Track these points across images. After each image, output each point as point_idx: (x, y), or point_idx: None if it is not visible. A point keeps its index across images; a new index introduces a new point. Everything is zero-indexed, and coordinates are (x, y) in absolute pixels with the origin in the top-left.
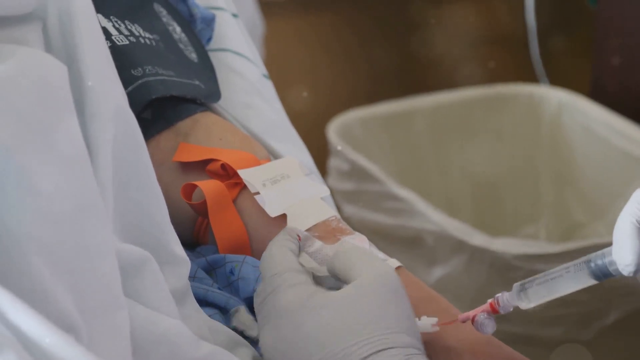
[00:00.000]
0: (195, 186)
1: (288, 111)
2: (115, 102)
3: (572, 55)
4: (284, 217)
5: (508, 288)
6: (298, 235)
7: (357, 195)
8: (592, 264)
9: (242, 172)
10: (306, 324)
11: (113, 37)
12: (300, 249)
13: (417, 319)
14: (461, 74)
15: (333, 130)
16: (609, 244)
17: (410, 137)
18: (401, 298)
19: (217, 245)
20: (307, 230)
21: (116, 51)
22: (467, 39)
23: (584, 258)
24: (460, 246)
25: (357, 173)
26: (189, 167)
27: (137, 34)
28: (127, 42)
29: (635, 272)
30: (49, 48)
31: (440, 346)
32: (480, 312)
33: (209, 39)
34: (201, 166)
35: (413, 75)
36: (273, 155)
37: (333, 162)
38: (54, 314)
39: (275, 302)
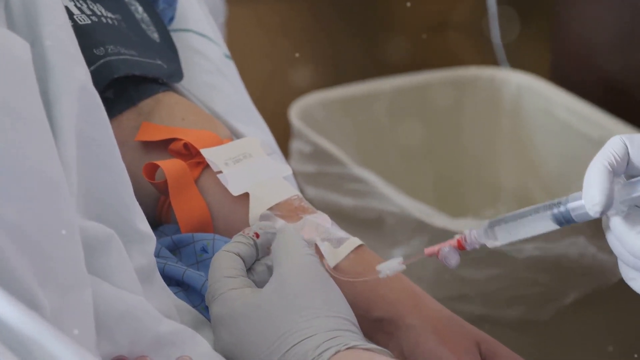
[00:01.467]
0: (157, 166)
1: (250, 93)
2: (79, 80)
3: (532, 38)
4: (246, 196)
5: (469, 268)
6: (256, 233)
7: (318, 177)
8: (556, 209)
9: (204, 151)
10: (240, 330)
11: (75, 17)
12: (259, 246)
13: (383, 263)
14: (422, 57)
15: (294, 113)
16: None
17: (372, 119)
18: (323, 284)
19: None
20: (270, 209)
21: (78, 30)
22: (429, 22)
23: (549, 202)
24: (421, 227)
25: (318, 155)
26: (151, 146)
27: (99, 13)
28: (89, 22)
29: (602, 212)
30: (11, 26)
31: (402, 324)
32: (445, 246)
33: (171, 19)
34: (164, 145)
35: (374, 59)
36: (236, 135)
37: (295, 145)
38: (18, 292)
39: (215, 310)
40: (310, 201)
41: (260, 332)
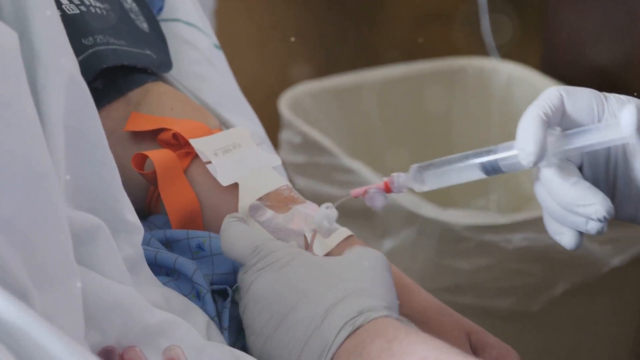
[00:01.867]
0: (146, 156)
1: (239, 84)
2: (67, 70)
3: (523, 29)
4: (235, 186)
5: (458, 259)
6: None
7: (308, 168)
8: (485, 157)
9: (193, 142)
10: (298, 275)
11: (63, 6)
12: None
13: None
14: (413, 48)
15: (284, 103)
16: None
17: (362, 110)
18: (383, 274)
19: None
20: (259, 199)
21: (67, 20)
22: (420, 13)
23: (480, 150)
24: (410, 218)
25: (308, 146)
26: (140, 136)
27: (87, 3)
28: (78, 11)
29: (535, 162)
30: None
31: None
32: (372, 188)
33: (160, 9)
34: (153, 136)
35: (364, 49)
36: (225, 125)
37: (284, 135)
38: (6, 282)
39: (269, 260)
40: (300, 191)
41: (315, 280)
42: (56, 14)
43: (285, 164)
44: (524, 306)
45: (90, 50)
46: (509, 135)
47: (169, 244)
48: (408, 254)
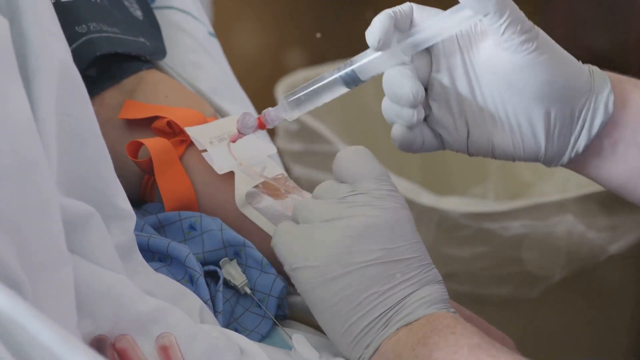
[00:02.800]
0: (140, 144)
1: (236, 71)
2: (59, 57)
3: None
4: (231, 174)
5: (456, 247)
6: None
7: (305, 156)
8: (343, 71)
9: (189, 130)
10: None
11: None
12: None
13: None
14: None
15: (281, 90)
16: (555, 203)
17: (358, 97)
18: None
19: (163, 203)
20: (255, 187)
21: (60, 7)
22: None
23: (338, 67)
24: (408, 205)
25: (305, 133)
26: (134, 124)
27: None
28: None
29: (380, 46)
30: None
31: None
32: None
33: None
34: (147, 123)
35: (361, 36)
36: (220, 113)
37: (282, 123)
38: None
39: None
40: (297, 179)
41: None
42: (48, 0)
43: (282, 152)
44: (521, 294)
45: (84, 38)
46: None
47: (162, 227)
48: None
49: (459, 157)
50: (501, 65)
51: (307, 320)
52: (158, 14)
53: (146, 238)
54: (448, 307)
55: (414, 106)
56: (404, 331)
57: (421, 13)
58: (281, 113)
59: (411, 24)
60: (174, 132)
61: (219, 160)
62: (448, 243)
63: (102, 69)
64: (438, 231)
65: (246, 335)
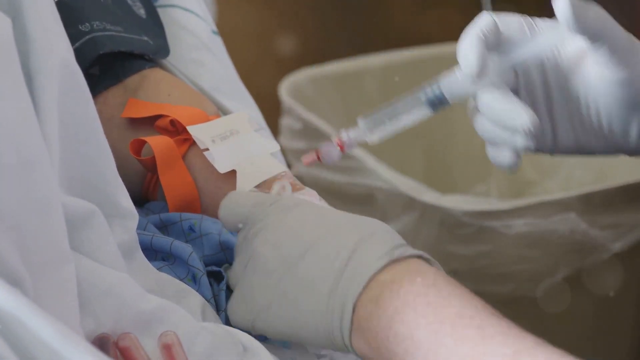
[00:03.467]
0: (144, 142)
1: (240, 70)
2: (61, 55)
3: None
4: (233, 173)
5: (458, 245)
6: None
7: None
8: (428, 90)
9: (191, 128)
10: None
11: None
12: None
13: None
14: (414, 32)
15: (284, 89)
16: (557, 201)
17: (362, 96)
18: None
19: (166, 202)
20: (257, 186)
21: (64, 6)
22: None
23: (421, 87)
24: (410, 203)
25: (308, 132)
26: (137, 123)
27: None
28: None
29: (478, 74)
30: None
31: None
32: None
33: None
34: (150, 122)
35: (365, 34)
36: (223, 112)
37: (285, 121)
38: None
39: (281, 206)
40: (301, 178)
41: (336, 218)
42: None
43: (286, 150)
44: (524, 292)
45: (87, 37)
46: None
47: (164, 227)
48: (408, 240)
49: (462, 155)
50: (595, 80)
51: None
52: (161, 12)
53: (149, 237)
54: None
55: (529, 135)
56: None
57: (503, 21)
58: (360, 136)
59: (498, 36)
60: (177, 130)
61: (221, 158)
62: (450, 241)
63: (105, 67)
64: (440, 229)
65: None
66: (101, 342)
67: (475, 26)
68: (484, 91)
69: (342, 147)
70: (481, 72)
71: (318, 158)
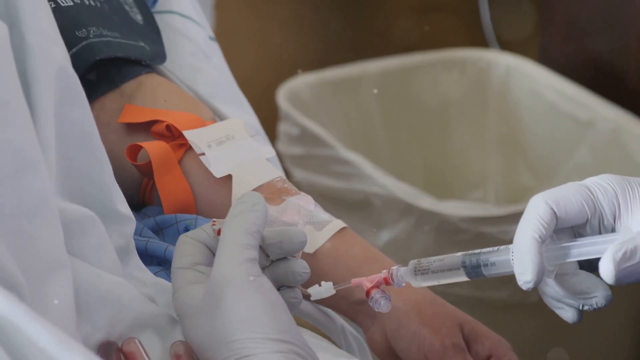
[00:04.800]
0: (140, 147)
1: (238, 76)
2: (57, 62)
3: (522, 20)
4: (229, 178)
5: (455, 251)
6: (213, 221)
7: (306, 160)
8: (468, 263)
9: (187, 133)
10: (189, 329)
11: None
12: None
13: (316, 286)
14: (412, 38)
15: (282, 95)
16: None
17: (360, 101)
18: (249, 295)
19: (162, 206)
20: (252, 190)
21: (60, 12)
22: (419, 4)
23: (470, 256)
24: (407, 209)
25: (306, 137)
26: (134, 128)
27: None
28: (72, 3)
29: (534, 287)
30: None
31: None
32: (375, 289)
33: (155, 1)
34: (146, 127)
35: (363, 40)
36: (219, 117)
37: (282, 127)
38: None
39: (174, 303)
40: (298, 183)
41: (207, 334)
42: (47, 5)
43: (283, 156)
44: (521, 297)
45: (84, 43)
46: (507, 126)
47: (160, 230)
48: (405, 246)
49: (459, 161)
50: None
51: (303, 322)
52: (158, 18)
53: (144, 242)
54: None
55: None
56: None
57: (562, 209)
58: (408, 278)
59: (555, 225)
60: (173, 135)
61: (217, 163)
62: (447, 247)
63: (102, 73)
64: (437, 235)
65: None
66: (106, 348)
67: (531, 222)
68: (545, 285)
69: (388, 281)
70: (537, 285)
71: (367, 295)
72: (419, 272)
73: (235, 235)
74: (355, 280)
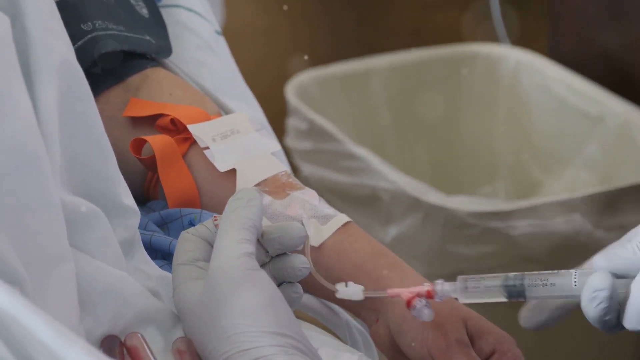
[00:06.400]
0: (144, 141)
1: (247, 70)
2: (60, 55)
3: (533, 14)
4: (233, 172)
5: (463, 246)
6: (215, 216)
7: (314, 155)
8: (510, 284)
9: (191, 127)
10: (189, 325)
11: None
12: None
13: (343, 285)
14: (422, 34)
15: (290, 90)
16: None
17: (368, 97)
18: (247, 288)
19: (167, 201)
20: (257, 185)
21: (66, 5)
22: None
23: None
24: (415, 204)
25: (314, 132)
26: (139, 122)
27: None
28: None
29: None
30: None
31: (388, 300)
32: (416, 297)
33: None
34: (151, 121)
35: (371, 35)
36: (225, 112)
37: (291, 122)
38: None
39: (174, 299)
40: (307, 178)
41: (206, 329)
42: None
43: (291, 151)
44: None
45: (89, 36)
46: (516, 121)
47: (165, 224)
48: (413, 241)
49: (468, 156)
50: None
51: (308, 317)
52: (164, 12)
53: (148, 236)
54: None
55: None
56: None
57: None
58: (454, 293)
59: None
60: (177, 129)
61: (221, 157)
62: (455, 242)
63: (107, 66)
64: (445, 230)
65: None
66: (109, 342)
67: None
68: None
69: (430, 294)
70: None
71: (408, 305)
72: (469, 289)
73: (231, 230)
74: (392, 291)
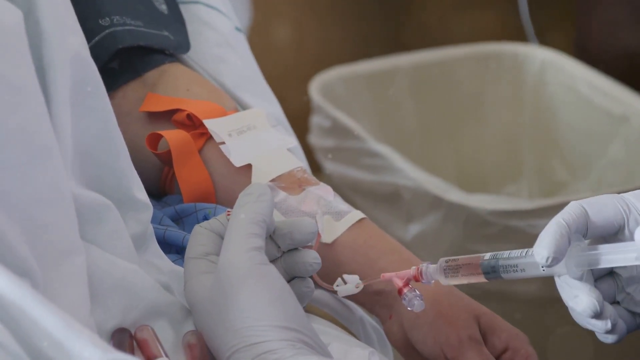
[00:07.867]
0: (160, 136)
1: (275, 68)
2: (73, 49)
3: (560, 14)
4: (249, 167)
5: (483, 244)
6: (228, 211)
7: (337, 152)
8: (486, 261)
9: (207, 122)
10: (199, 319)
11: None
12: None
13: (342, 283)
14: (450, 33)
15: (315, 87)
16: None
17: (393, 95)
18: (254, 282)
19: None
20: (272, 180)
21: (84, 0)
22: None
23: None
24: (436, 202)
25: (337, 130)
26: (155, 117)
27: None
28: None
29: (549, 264)
30: None
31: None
32: (406, 287)
33: None
34: (168, 116)
35: (397, 34)
36: (243, 108)
37: (315, 119)
38: (9, 260)
39: (185, 292)
40: (329, 176)
41: (215, 322)
42: None
43: (314, 148)
44: (548, 292)
45: (107, 31)
46: (542, 121)
47: (180, 219)
48: (433, 239)
49: (493, 155)
50: None
51: (321, 312)
52: (184, 8)
53: (162, 230)
54: None
55: (599, 318)
56: None
57: (593, 210)
58: (437, 275)
59: (586, 223)
60: (194, 124)
61: (237, 152)
62: (475, 240)
63: (124, 61)
64: (465, 228)
65: None
66: (120, 335)
67: (561, 212)
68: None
69: (417, 277)
70: (552, 262)
71: (400, 293)
72: (448, 270)
73: (241, 224)
74: (385, 275)
